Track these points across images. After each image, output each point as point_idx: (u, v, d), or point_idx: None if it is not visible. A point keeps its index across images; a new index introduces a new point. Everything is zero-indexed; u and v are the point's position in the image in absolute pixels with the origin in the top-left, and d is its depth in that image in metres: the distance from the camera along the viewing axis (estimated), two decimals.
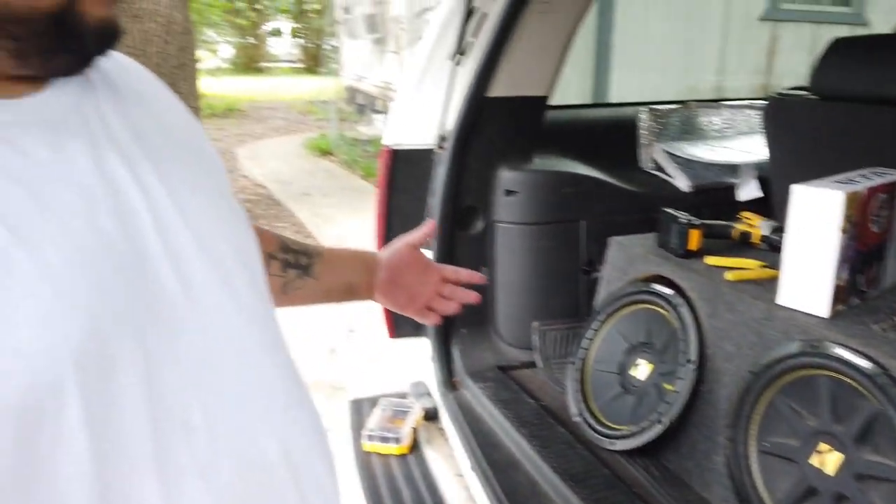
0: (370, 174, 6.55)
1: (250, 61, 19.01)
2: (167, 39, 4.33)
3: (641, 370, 1.29)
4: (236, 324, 0.51)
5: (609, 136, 1.93)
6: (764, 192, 1.80)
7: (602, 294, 1.46)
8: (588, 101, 5.22)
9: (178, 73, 4.48)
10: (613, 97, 5.23)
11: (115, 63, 0.55)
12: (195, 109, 4.93)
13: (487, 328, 1.67)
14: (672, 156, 1.87)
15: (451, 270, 0.95)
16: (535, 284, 1.65)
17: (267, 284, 0.58)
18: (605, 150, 1.82)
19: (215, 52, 17.47)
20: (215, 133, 8.10)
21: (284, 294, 0.80)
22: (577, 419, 1.32)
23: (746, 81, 5.91)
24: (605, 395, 1.32)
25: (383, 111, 8.86)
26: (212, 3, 14.43)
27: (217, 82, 12.65)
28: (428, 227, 0.94)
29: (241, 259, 0.53)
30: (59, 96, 0.46)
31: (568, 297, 1.66)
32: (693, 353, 1.18)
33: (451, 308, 0.95)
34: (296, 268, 0.81)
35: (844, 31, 2.27)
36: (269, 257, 0.78)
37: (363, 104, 10.81)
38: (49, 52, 0.44)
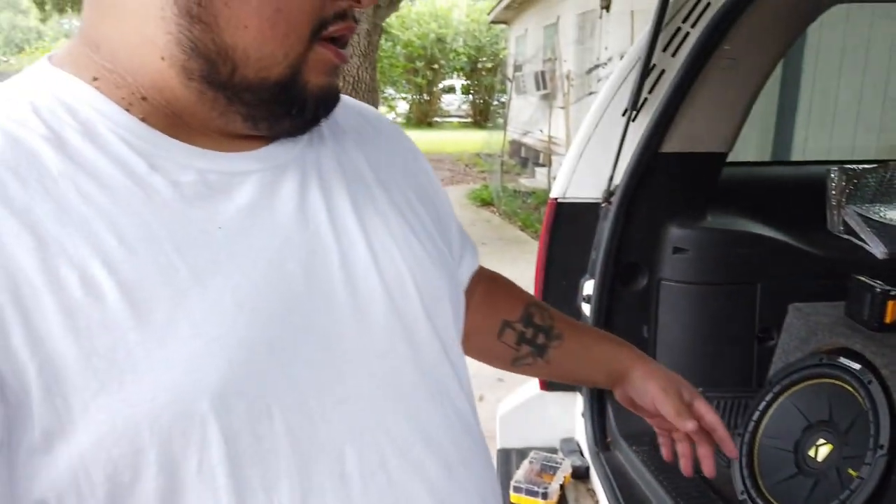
0: (529, 225, 6.62)
1: (423, 116, 20.19)
2: (354, 97, 4.76)
3: (821, 451, 1.17)
4: (409, 372, 0.51)
5: (792, 196, 1.81)
6: None
7: (778, 364, 1.36)
8: (767, 158, 4.91)
9: None
10: (797, 155, 4.87)
11: (349, 108, 0.60)
12: None
13: None
14: (867, 219, 1.70)
15: (710, 421, 0.74)
16: (703, 348, 1.57)
17: (456, 333, 0.58)
18: (787, 211, 1.71)
19: (393, 107, 18.79)
20: None
21: (513, 366, 0.77)
22: (743, 497, 1.22)
23: None
24: (775, 474, 1.21)
25: (546, 164, 8.96)
26: (394, 63, 15.63)
27: None
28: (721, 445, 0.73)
29: (428, 305, 0.53)
30: (285, 146, 0.51)
31: (738, 365, 1.56)
32: (885, 438, 1.05)
33: (684, 463, 0.77)
34: (530, 345, 0.76)
35: None
36: (505, 325, 0.75)
37: (526, 157, 11.02)
38: (276, 117, 0.49)
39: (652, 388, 0.74)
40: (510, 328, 0.75)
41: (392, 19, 14.37)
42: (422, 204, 0.60)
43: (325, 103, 0.50)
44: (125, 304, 0.41)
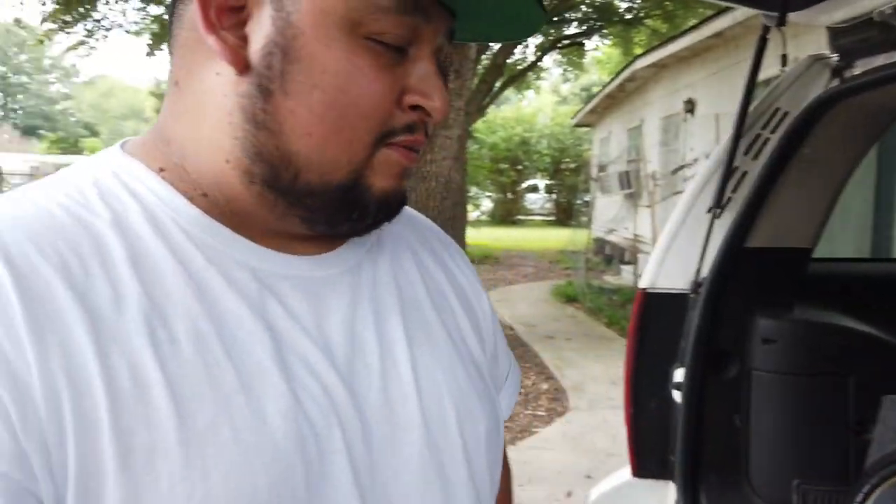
0: (615, 322, 6.56)
1: (507, 214, 20.66)
2: (445, 196, 5.06)
3: None
4: (439, 500, 0.48)
5: (884, 292, 1.83)
6: None
7: (874, 456, 1.36)
8: (866, 255, 4.76)
9: (450, 224, 5.16)
10: None
11: (408, 218, 0.59)
12: None
13: (740, 480, 1.62)
14: None
15: None
16: (797, 439, 1.57)
17: (492, 484, 0.54)
18: (880, 306, 1.72)
19: (478, 206, 19.38)
20: None
21: None
22: None
23: None
24: None
25: (631, 262, 8.94)
26: (480, 165, 16.32)
27: (476, 232, 13.91)
28: None
29: (468, 446, 0.51)
30: (343, 255, 0.50)
31: (834, 457, 1.55)
32: None
33: None
34: None
35: None
36: None
37: (611, 255, 11.02)
38: (335, 220, 0.48)
39: None
40: None
41: (479, 124, 15.15)
42: (471, 327, 0.58)
43: (389, 207, 0.49)
44: (170, 400, 0.39)
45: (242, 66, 0.44)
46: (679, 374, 1.63)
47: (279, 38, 0.43)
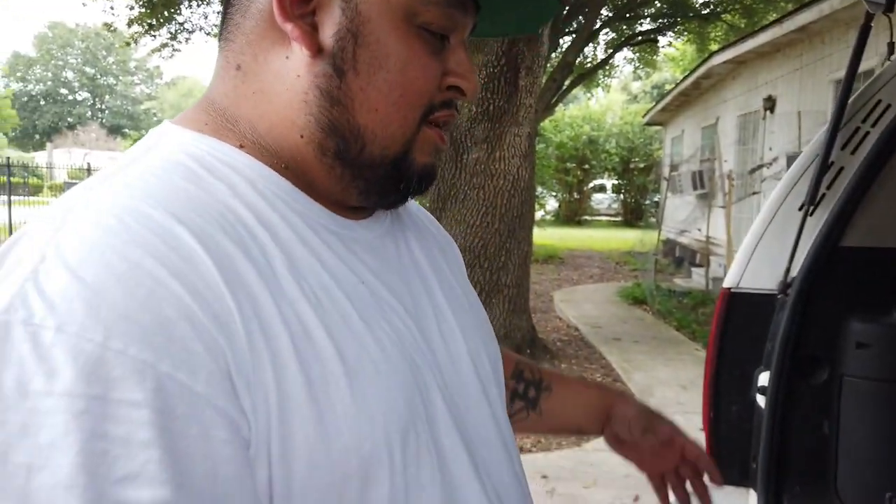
0: (685, 325, 6.38)
1: (573, 214, 20.38)
2: (513, 194, 5.02)
3: None
4: (491, 427, 0.57)
5: None
6: None
7: None
8: None
9: (518, 222, 5.11)
10: None
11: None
12: (529, 252, 5.50)
13: (827, 490, 1.54)
14: None
15: (692, 451, 0.81)
16: (891, 450, 1.49)
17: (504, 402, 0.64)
18: None
19: (543, 205, 19.20)
20: (535, 277, 8.76)
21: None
22: None
23: None
24: None
25: (702, 265, 8.66)
26: (546, 164, 16.16)
27: (541, 232, 13.78)
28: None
29: (494, 369, 0.62)
30: (377, 220, 0.57)
31: None
32: None
33: (681, 497, 0.82)
34: (523, 400, 0.81)
35: None
36: None
37: (681, 257, 10.71)
38: (386, 191, 0.54)
39: (629, 413, 0.82)
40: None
41: (545, 123, 14.99)
42: (466, 282, 0.69)
43: (426, 180, 0.56)
44: (329, 341, 0.45)
45: (316, 49, 0.49)
46: (764, 378, 1.57)
47: (350, 25, 0.49)
